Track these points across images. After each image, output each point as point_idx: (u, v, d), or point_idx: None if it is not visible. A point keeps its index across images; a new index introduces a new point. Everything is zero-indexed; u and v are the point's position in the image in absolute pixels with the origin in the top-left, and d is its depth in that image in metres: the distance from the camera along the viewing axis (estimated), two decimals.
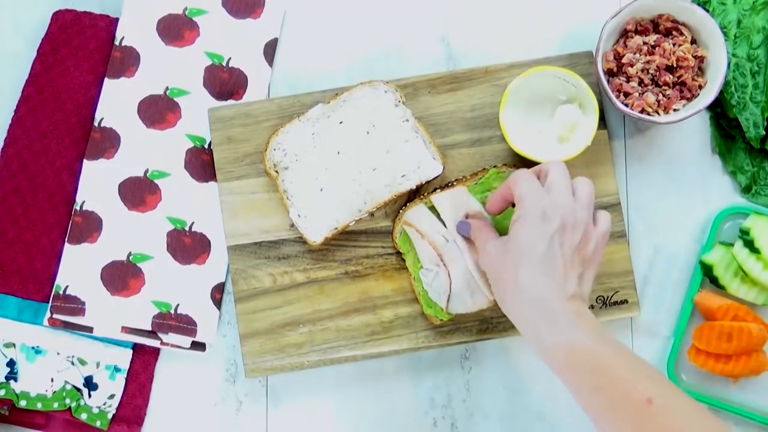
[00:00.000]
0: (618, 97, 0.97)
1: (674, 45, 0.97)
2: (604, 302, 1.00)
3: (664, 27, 0.98)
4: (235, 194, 1.00)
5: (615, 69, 0.98)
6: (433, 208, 0.98)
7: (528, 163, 0.98)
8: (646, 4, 0.97)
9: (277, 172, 0.98)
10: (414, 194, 1.00)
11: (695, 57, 0.97)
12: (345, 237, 1.00)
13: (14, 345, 1.00)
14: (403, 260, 0.99)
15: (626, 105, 0.96)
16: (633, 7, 0.97)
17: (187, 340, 1.00)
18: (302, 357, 0.99)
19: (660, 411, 0.78)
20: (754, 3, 1.00)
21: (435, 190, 0.98)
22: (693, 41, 0.98)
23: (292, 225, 0.99)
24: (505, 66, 1.01)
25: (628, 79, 0.97)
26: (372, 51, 1.04)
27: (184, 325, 1.00)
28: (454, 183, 0.98)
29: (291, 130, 0.98)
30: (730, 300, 0.98)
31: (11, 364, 0.99)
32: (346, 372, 1.02)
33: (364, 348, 0.99)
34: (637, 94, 0.96)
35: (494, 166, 0.99)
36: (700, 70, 0.98)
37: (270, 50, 1.04)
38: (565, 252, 0.84)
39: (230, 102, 1.02)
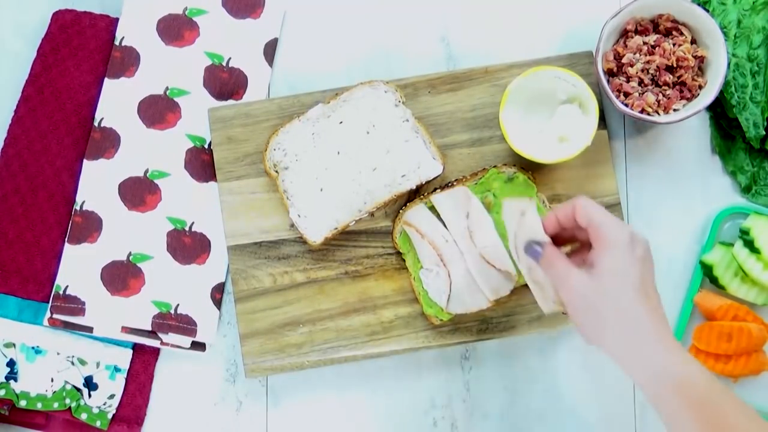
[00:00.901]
0: (618, 97, 0.97)
1: (674, 45, 0.97)
2: None
3: (664, 27, 0.98)
4: (235, 194, 1.00)
5: (615, 69, 0.98)
6: (433, 208, 0.98)
7: (528, 163, 0.98)
8: (646, 4, 0.97)
9: (277, 172, 0.98)
10: (414, 194, 1.00)
11: (695, 57, 0.97)
12: (345, 237, 1.00)
13: (14, 345, 0.99)
14: (403, 260, 0.99)
15: (626, 105, 0.96)
16: (633, 7, 0.97)
17: (187, 340, 1.00)
18: (302, 357, 0.99)
19: None
20: (754, 3, 1.00)
21: (435, 190, 0.98)
22: (693, 41, 0.98)
23: (292, 225, 0.99)
24: (505, 66, 1.01)
25: (628, 79, 0.97)
26: (372, 51, 1.04)
27: (184, 325, 1.00)
28: (454, 183, 0.98)
29: (291, 130, 0.98)
30: (730, 300, 0.98)
31: (11, 364, 0.99)
32: (346, 372, 1.02)
33: (364, 348, 0.99)
34: (637, 94, 0.96)
35: (494, 166, 0.99)
36: (700, 70, 0.98)
37: (270, 50, 1.04)
38: (652, 283, 0.82)
39: (230, 102, 1.02)
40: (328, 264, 1.00)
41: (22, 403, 0.99)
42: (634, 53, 0.97)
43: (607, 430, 1.02)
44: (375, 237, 1.00)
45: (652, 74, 0.97)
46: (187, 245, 1.01)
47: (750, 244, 0.96)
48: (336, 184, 0.97)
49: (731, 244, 0.99)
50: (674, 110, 0.97)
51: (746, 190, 1.02)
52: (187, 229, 1.01)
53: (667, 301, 1.01)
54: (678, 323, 1.00)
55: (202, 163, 1.02)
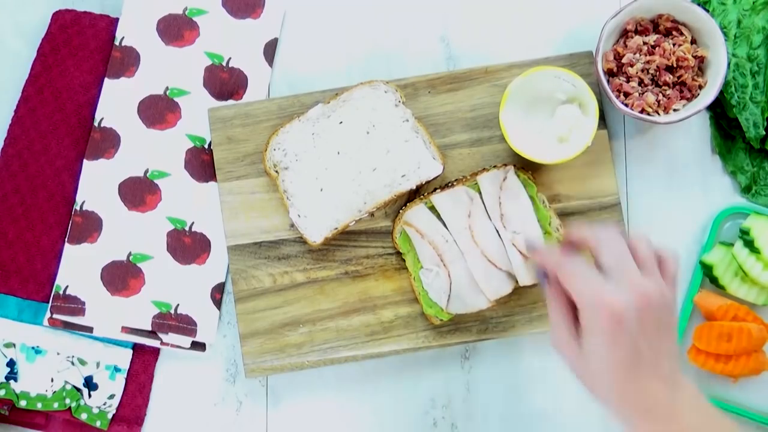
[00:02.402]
0: (618, 97, 0.97)
1: (674, 45, 0.97)
2: None
3: (664, 27, 0.98)
4: (235, 194, 1.00)
5: (615, 69, 0.98)
6: (433, 208, 0.98)
7: (528, 163, 0.98)
8: (646, 4, 0.97)
9: (277, 172, 0.98)
10: (414, 194, 1.00)
11: (695, 57, 0.97)
12: (345, 237, 1.00)
13: (14, 345, 0.99)
14: (403, 260, 0.99)
15: (626, 105, 0.96)
16: (633, 7, 0.97)
17: (187, 340, 1.00)
18: (302, 357, 0.99)
19: None
20: (754, 3, 1.00)
21: (435, 190, 0.98)
22: (693, 41, 0.98)
23: (292, 225, 0.99)
24: (505, 66, 1.01)
25: (628, 79, 0.97)
26: (372, 51, 1.04)
27: (184, 325, 1.00)
28: (454, 183, 0.98)
29: (291, 130, 0.98)
30: (730, 300, 0.98)
31: (11, 364, 0.99)
32: (346, 372, 1.02)
33: (364, 348, 0.99)
34: (637, 94, 0.96)
35: (494, 166, 0.99)
36: (700, 70, 0.98)
37: (270, 50, 1.04)
38: (651, 339, 0.76)
39: (230, 102, 1.02)
40: (328, 264, 1.00)
41: (22, 403, 0.99)
42: (634, 53, 0.97)
43: (607, 430, 1.02)
44: (375, 237, 1.00)
45: (652, 74, 0.97)
46: (187, 245, 1.01)
47: (750, 244, 0.96)
48: (336, 184, 0.97)
49: (731, 244, 0.99)
50: (674, 110, 0.97)
51: (746, 190, 1.02)
52: (187, 229, 1.01)
53: None
54: (678, 323, 1.00)
55: (202, 163, 1.02)
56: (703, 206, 1.03)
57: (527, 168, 0.99)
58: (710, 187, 1.03)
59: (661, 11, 0.98)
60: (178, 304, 1.00)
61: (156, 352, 1.02)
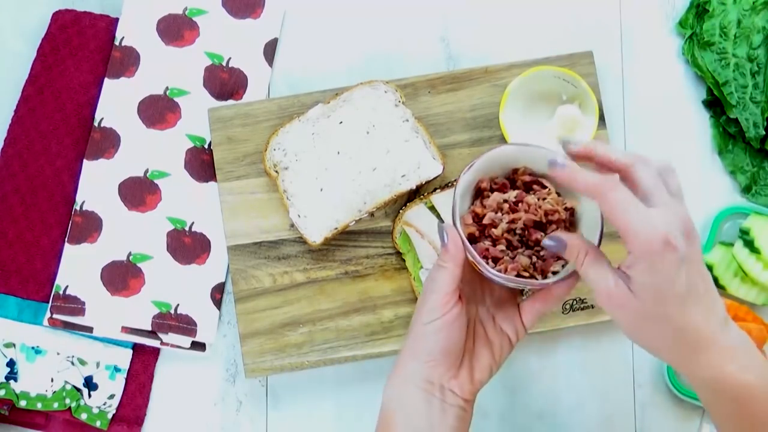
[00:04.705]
0: (488, 263, 0.78)
1: (539, 199, 0.80)
2: None
3: (521, 182, 0.81)
4: (235, 194, 1.00)
5: (477, 233, 0.80)
6: (433, 208, 0.98)
7: None
8: (495, 157, 0.80)
9: (277, 172, 0.98)
10: (414, 194, 1.00)
11: (565, 209, 0.80)
12: (345, 237, 1.00)
13: (14, 345, 1.00)
14: (403, 260, 0.99)
15: (499, 271, 0.78)
16: (481, 162, 0.79)
17: (187, 340, 1.00)
18: (302, 357, 0.99)
19: None
20: (754, 3, 1.00)
21: (435, 190, 0.98)
22: (558, 194, 0.81)
23: (292, 225, 1.00)
24: (505, 66, 1.01)
25: (494, 243, 0.79)
26: (372, 51, 1.04)
27: (184, 325, 1.00)
28: (454, 183, 0.98)
29: (291, 130, 0.98)
30: (730, 300, 0.98)
31: (11, 364, 0.99)
32: (346, 372, 1.02)
33: (364, 348, 0.99)
34: (507, 258, 0.79)
35: None
36: (572, 225, 0.81)
37: (270, 50, 1.04)
38: (700, 267, 0.72)
39: (230, 102, 1.02)
40: (328, 264, 1.00)
41: (22, 403, 0.99)
42: (495, 212, 0.80)
43: (607, 430, 1.02)
44: (375, 237, 1.00)
45: (519, 234, 0.79)
46: (187, 245, 1.01)
47: (750, 244, 0.96)
48: (336, 184, 0.97)
49: (731, 244, 0.99)
50: (553, 273, 0.79)
51: (746, 190, 1.02)
52: (187, 229, 1.01)
53: None
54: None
55: (202, 163, 1.02)
56: (703, 206, 1.03)
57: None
58: (710, 187, 1.03)
59: (516, 164, 0.81)
60: (178, 304, 1.00)
61: (156, 352, 1.02)
